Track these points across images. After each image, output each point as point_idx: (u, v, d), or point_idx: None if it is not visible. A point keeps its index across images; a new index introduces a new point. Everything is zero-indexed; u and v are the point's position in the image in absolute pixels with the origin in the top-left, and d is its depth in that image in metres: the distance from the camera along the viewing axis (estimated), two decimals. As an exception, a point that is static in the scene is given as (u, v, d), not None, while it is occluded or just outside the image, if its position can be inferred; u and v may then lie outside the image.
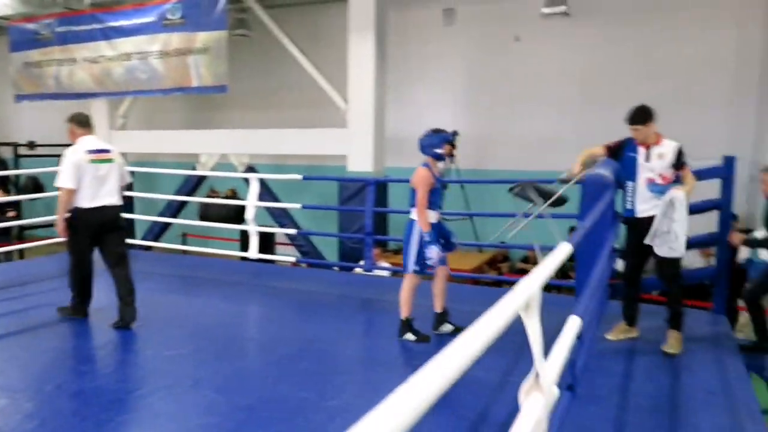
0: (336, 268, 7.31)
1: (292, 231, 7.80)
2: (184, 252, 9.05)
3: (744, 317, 6.76)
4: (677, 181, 3.83)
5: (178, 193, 9.67)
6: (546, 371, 1.54)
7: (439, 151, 4.04)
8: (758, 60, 8.24)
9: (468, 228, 9.02)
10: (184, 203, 9.48)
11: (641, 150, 3.75)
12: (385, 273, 6.67)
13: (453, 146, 4.17)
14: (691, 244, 5.31)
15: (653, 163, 3.75)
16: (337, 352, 4.08)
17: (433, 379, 0.98)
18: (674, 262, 3.73)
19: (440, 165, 4.07)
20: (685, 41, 8.58)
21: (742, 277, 6.75)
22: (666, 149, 3.74)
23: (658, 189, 3.82)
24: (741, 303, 6.76)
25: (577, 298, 2.86)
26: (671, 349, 3.72)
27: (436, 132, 4.05)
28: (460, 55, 9.93)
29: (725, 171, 4.87)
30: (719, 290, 5.09)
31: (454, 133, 9.06)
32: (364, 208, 6.24)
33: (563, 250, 2.30)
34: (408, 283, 4.07)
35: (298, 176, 6.83)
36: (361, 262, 6.64)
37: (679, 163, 3.70)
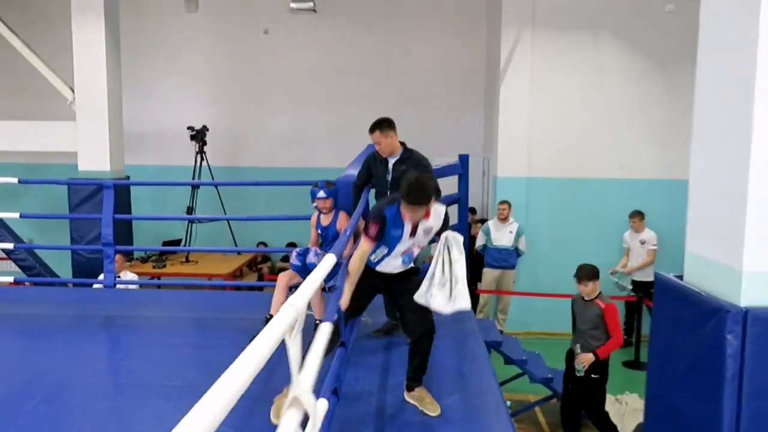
0: (70, 284, 6.71)
1: (9, 245, 6.74)
2: None
3: (483, 299, 7.72)
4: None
5: None
6: (302, 385, 1.54)
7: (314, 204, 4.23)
8: (483, 66, 9.46)
9: (225, 231, 8.81)
10: None
11: (407, 226, 3.10)
12: (132, 286, 6.35)
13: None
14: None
15: (418, 237, 3.15)
16: (74, 382, 3.69)
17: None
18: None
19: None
20: (420, 46, 9.50)
21: (479, 263, 7.72)
22: (433, 222, 3.13)
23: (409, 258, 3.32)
24: (480, 286, 7.72)
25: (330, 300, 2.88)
26: (430, 412, 3.11)
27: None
28: (207, 44, 9.64)
29: (461, 168, 5.46)
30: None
31: (204, 129, 8.77)
32: (101, 216, 5.66)
33: (328, 261, 2.36)
34: None
35: (13, 179, 6.01)
36: (101, 276, 6.06)
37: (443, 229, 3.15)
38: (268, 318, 4.09)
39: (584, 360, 4.73)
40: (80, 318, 5.03)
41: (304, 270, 3.97)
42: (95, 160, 7.43)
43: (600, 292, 4.85)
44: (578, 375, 4.78)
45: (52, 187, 8.47)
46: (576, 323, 4.96)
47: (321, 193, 4.24)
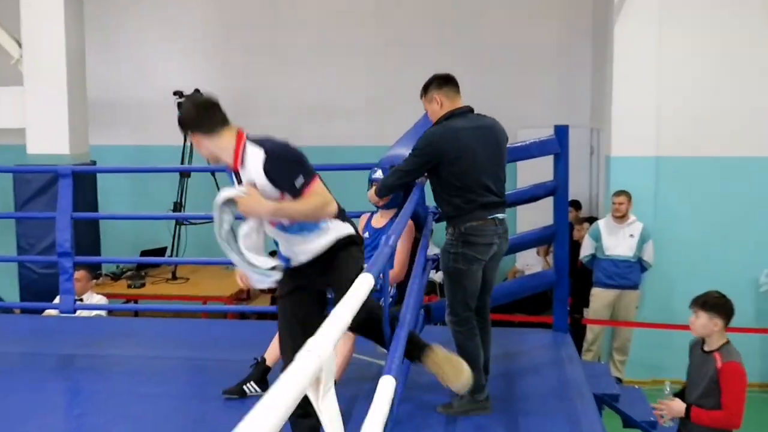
0: (16, 311, 6.90)
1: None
2: None
3: (592, 332, 7.57)
4: None
5: None
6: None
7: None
8: (588, 0, 9.25)
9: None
10: None
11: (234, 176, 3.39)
12: (100, 312, 6.48)
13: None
14: (525, 242, 5.82)
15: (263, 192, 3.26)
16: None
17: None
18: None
19: None
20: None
21: (587, 280, 7.54)
22: (254, 174, 3.23)
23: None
24: (588, 313, 7.57)
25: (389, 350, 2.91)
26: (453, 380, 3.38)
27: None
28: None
29: (557, 145, 5.37)
30: (559, 299, 5.58)
31: (197, 92, 8.85)
32: (55, 214, 5.78)
33: (362, 286, 2.33)
34: None
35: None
36: (57, 300, 6.17)
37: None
38: (258, 361, 4.21)
39: (668, 410, 4.49)
40: (28, 357, 5.11)
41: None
42: (49, 139, 7.57)
43: (727, 342, 4.54)
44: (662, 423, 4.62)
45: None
46: (689, 377, 4.72)
47: (378, 173, 4.20)
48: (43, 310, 6.56)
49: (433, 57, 8.89)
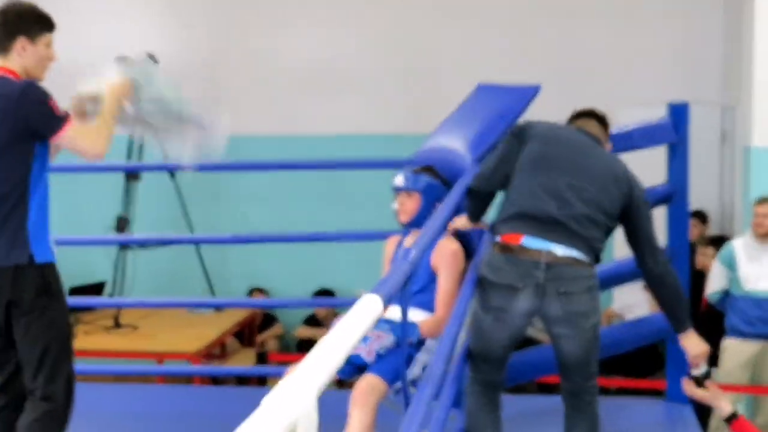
0: None
1: None
2: None
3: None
4: None
5: None
6: None
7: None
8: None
9: (191, 265, 8.95)
10: None
11: None
12: None
13: None
14: (623, 273, 5.78)
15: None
16: None
17: None
18: None
19: None
20: None
21: (716, 327, 7.48)
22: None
23: None
24: (718, 375, 7.50)
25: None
26: None
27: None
28: None
29: (673, 131, 5.39)
30: (675, 356, 5.53)
31: (151, 57, 8.97)
32: None
33: (371, 306, 2.41)
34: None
35: None
36: None
37: None
38: None
39: None
40: None
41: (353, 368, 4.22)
42: None
43: None
44: None
45: None
46: None
47: (398, 180, 4.38)
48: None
49: (496, 7, 8.96)
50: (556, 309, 3.89)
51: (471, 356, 4.00)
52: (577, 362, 3.98)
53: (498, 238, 3.94)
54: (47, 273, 4.39)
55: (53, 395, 4.23)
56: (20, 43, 4.10)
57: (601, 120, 4.44)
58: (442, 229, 3.87)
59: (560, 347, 4.00)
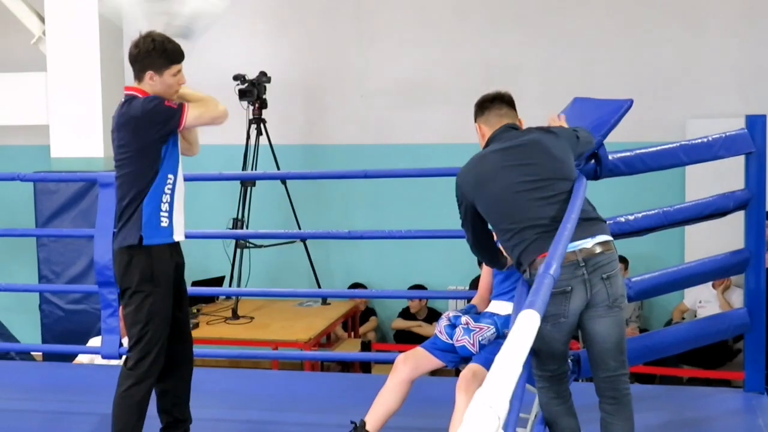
0: (38, 356, 7.10)
1: None
2: None
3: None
4: None
5: None
6: None
7: None
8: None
9: (301, 260, 9.18)
10: None
11: None
12: None
13: None
14: (700, 273, 5.74)
15: None
16: None
17: None
18: None
19: None
20: None
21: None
22: None
23: None
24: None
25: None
26: None
27: None
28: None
29: (751, 141, 5.31)
30: (753, 350, 5.52)
31: (262, 79, 9.17)
32: (93, 233, 6.02)
33: (525, 325, 2.45)
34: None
35: None
36: (95, 341, 6.37)
37: None
38: (357, 426, 4.56)
39: None
40: (53, 421, 5.24)
41: (450, 352, 4.53)
42: (79, 139, 7.72)
43: None
44: None
45: (6, 188, 8.80)
46: None
47: None
48: (74, 356, 6.63)
49: (578, 22, 8.94)
50: (602, 295, 3.90)
51: (534, 354, 4.01)
52: (614, 345, 3.96)
53: (529, 269, 3.95)
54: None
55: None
56: (148, 75, 4.45)
57: (509, 102, 4.39)
58: (569, 240, 3.88)
59: (597, 332, 3.99)
